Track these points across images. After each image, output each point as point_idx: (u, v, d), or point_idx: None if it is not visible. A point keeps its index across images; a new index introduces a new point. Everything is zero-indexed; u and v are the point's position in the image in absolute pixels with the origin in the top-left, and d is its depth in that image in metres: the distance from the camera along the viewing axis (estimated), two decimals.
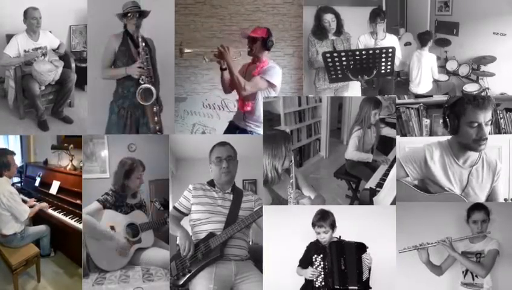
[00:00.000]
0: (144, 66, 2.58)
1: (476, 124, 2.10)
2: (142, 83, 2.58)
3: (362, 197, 2.83)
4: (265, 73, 2.61)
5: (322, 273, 2.21)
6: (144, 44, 2.57)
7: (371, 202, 2.62)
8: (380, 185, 2.69)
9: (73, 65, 3.17)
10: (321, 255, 2.22)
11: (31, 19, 2.96)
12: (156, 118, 2.65)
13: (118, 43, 2.61)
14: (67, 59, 3.15)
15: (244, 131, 2.73)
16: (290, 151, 2.27)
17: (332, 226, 2.27)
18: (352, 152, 3.09)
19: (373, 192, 2.66)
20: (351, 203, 3.02)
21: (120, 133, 2.68)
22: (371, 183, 2.76)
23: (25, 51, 2.99)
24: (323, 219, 2.26)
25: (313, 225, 2.29)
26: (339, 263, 2.19)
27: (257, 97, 2.67)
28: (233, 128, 2.79)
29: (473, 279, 2.39)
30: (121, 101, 2.66)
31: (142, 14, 2.58)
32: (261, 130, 2.71)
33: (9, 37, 3.01)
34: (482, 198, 2.31)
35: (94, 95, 2.77)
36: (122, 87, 2.65)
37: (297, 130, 3.67)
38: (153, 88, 2.58)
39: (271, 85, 2.63)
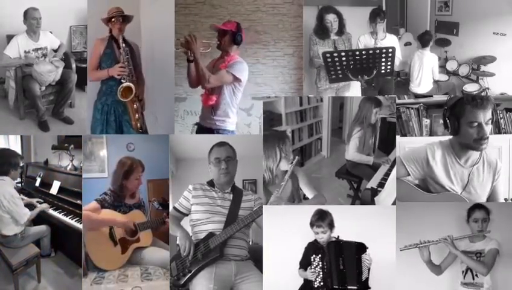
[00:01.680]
0: (125, 65, 2.62)
1: (476, 124, 2.11)
2: (123, 81, 2.61)
3: (364, 197, 2.83)
4: (231, 67, 2.55)
5: (321, 273, 2.21)
6: (124, 45, 2.61)
7: (372, 202, 2.62)
8: (381, 184, 2.68)
9: (73, 66, 3.17)
10: (319, 255, 2.22)
11: (31, 19, 2.96)
12: (136, 115, 2.66)
13: (103, 47, 2.65)
14: (67, 59, 3.15)
15: (211, 131, 2.65)
16: (289, 153, 2.26)
17: (331, 226, 2.27)
18: (353, 153, 3.09)
19: (374, 192, 2.65)
20: (353, 203, 3.02)
21: (103, 129, 2.69)
22: (373, 183, 2.76)
23: (25, 51, 3.00)
24: (322, 218, 2.26)
25: (311, 224, 2.29)
26: (338, 263, 2.19)
27: (222, 91, 2.59)
28: (201, 130, 2.73)
29: (473, 278, 2.39)
30: (104, 99, 2.69)
31: (126, 19, 2.63)
32: (228, 126, 2.65)
33: (9, 38, 3.01)
34: (483, 197, 2.31)
35: (94, 95, 2.77)
36: (105, 86, 2.70)
37: (299, 130, 3.67)
38: (132, 85, 2.60)
39: (236, 79, 2.56)
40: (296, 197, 2.36)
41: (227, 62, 2.58)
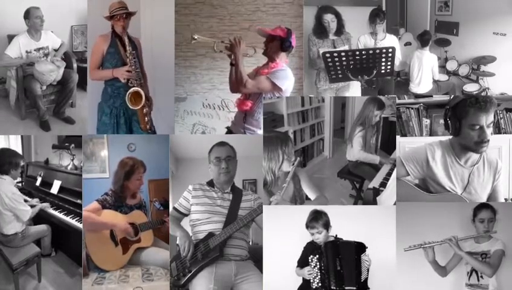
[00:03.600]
0: (132, 69, 2.56)
1: (478, 127, 2.09)
2: (131, 85, 2.56)
3: (366, 197, 2.82)
4: (272, 74, 2.44)
5: (319, 274, 2.21)
6: (130, 48, 2.55)
7: (374, 202, 2.61)
8: (383, 184, 2.68)
9: (75, 65, 3.17)
10: (317, 256, 2.22)
11: (34, 18, 2.96)
12: (146, 119, 2.63)
13: (107, 45, 2.58)
14: (68, 59, 3.15)
15: None
16: (291, 155, 2.23)
17: (326, 226, 2.26)
18: (359, 152, 3.08)
19: (377, 192, 2.65)
20: (355, 203, 3.02)
21: (114, 133, 2.66)
22: (375, 182, 2.75)
23: (26, 51, 3.00)
24: (316, 219, 2.25)
25: (306, 226, 2.28)
26: (335, 264, 2.18)
27: (260, 98, 2.53)
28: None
29: (478, 280, 2.37)
30: (111, 101, 2.64)
31: (130, 15, 2.56)
32: (261, 132, 2.58)
33: (10, 38, 3.02)
34: (483, 197, 2.30)
35: (95, 95, 2.76)
36: (111, 87, 2.63)
37: (301, 130, 3.67)
38: (141, 91, 2.55)
39: (276, 88, 2.45)
40: (298, 198, 2.34)
41: (270, 69, 2.47)
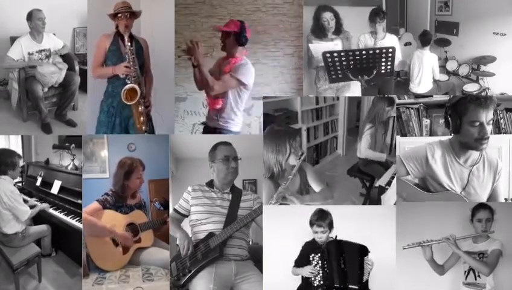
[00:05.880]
0: (130, 65, 2.57)
1: (478, 123, 2.10)
2: (128, 82, 2.57)
3: (373, 196, 2.82)
4: (236, 71, 2.50)
5: (321, 272, 2.20)
6: (129, 44, 2.56)
7: (378, 200, 2.61)
8: (390, 183, 2.67)
9: (77, 68, 3.17)
10: (319, 255, 2.21)
11: (36, 20, 2.97)
12: (141, 118, 2.62)
13: (109, 43, 2.60)
14: (70, 62, 3.15)
15: (216, 131, 2.63)
16: (298, 149, 2.25)
17: (330, 226, 2.26)
18: (366, 150, 3.10)
19: (382, 190, 2.65)
20: (365, 202, 3.02)
21: (109, 132, 2.67)
22: (382, 181, 2.76)
23: (29, 53, 3.01)
24: (322, 218, 2.25)
25: (311, 223, 2.28)
26: (338, 262, 2.18)
27: (227, 95, 2.56)
28: (207, 130, 2.71)
29: (475, 279, 2.38)
30: (110, 100, 2.65)
31: (133, 15, 2.58)
32: (232, 127, 2.62)
33: (13, 40, 3.03)
34: (483, 197, 2.30)
35: (96, 96, 2.77)
36: (112, 86, 2.65)
37: (314, 128, 3.67)
38: (137, 87, 2.56)
39: (241, 83, 2.52)
40: (304, 191, 2.34)
41: (232, 64, 2.52)
